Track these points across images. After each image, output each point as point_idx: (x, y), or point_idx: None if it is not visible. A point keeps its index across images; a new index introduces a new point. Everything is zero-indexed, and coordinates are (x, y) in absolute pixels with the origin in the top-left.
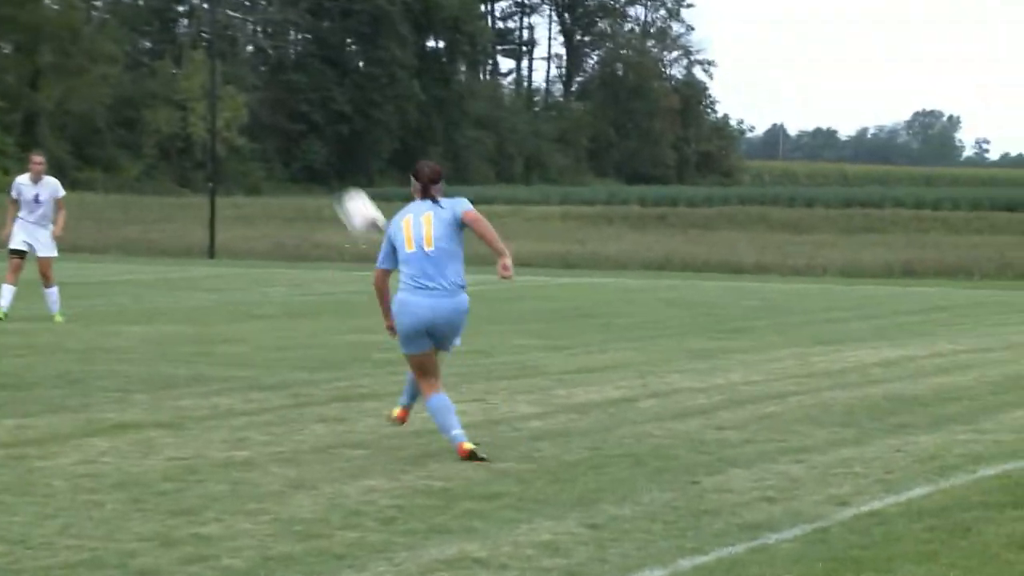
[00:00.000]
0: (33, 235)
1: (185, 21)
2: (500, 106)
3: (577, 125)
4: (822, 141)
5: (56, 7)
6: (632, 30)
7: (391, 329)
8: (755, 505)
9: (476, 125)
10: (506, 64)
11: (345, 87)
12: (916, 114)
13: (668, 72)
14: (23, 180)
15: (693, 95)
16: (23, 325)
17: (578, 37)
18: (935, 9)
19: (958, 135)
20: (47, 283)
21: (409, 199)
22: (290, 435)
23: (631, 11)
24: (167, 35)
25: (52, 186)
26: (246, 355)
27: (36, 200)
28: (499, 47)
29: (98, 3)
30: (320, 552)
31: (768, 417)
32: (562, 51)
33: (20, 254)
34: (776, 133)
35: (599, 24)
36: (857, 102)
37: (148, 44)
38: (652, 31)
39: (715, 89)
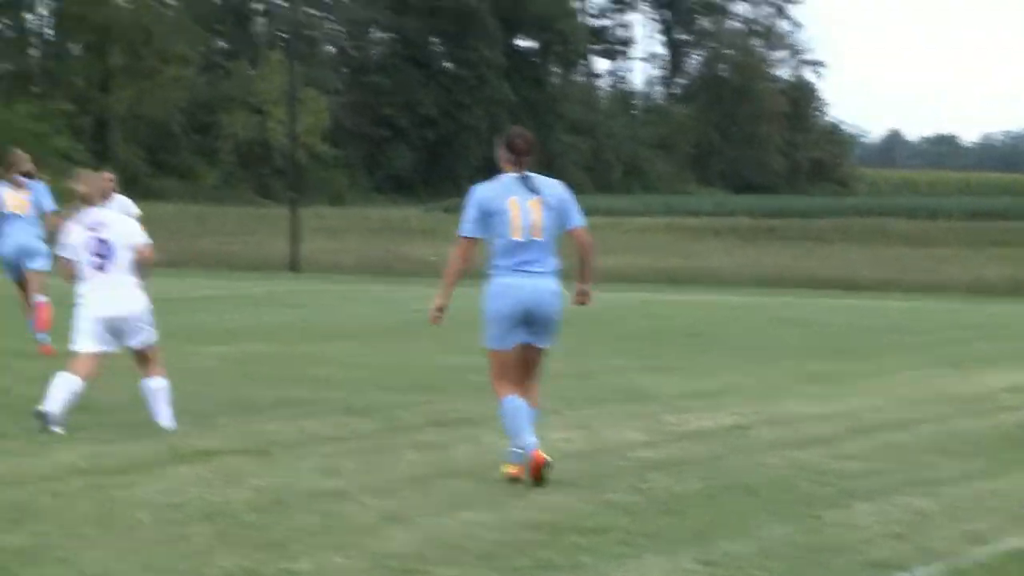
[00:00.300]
0: None
1: (262, 20)
2: (596, 109)
3: (679, 130)
4: (944, 148)
5: (127, 6)
6: (736, 28)
7: (440, 312)
8: (881, 541)
9: (571, 130)
10: (601, 65)
11: (431, 89)
12: None
13: (775, 73)
14: None
15: (802, 97)
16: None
17: (679, 36)
18: None
19: None
20: None
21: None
22: (383, 463)
23: (735, 8)
24: (243, 35)
25: (124, 205)
26: (334, 376)
27: None
28: (594, 46)
29: (171, 2)
30: None
31: (892, 446)
32: (662, 51)
33: None
34: (893, 139)
35: (701, 22)
36: (981, 106)
37: (223, 44)
38: (758, 29)
39: (826, 91)
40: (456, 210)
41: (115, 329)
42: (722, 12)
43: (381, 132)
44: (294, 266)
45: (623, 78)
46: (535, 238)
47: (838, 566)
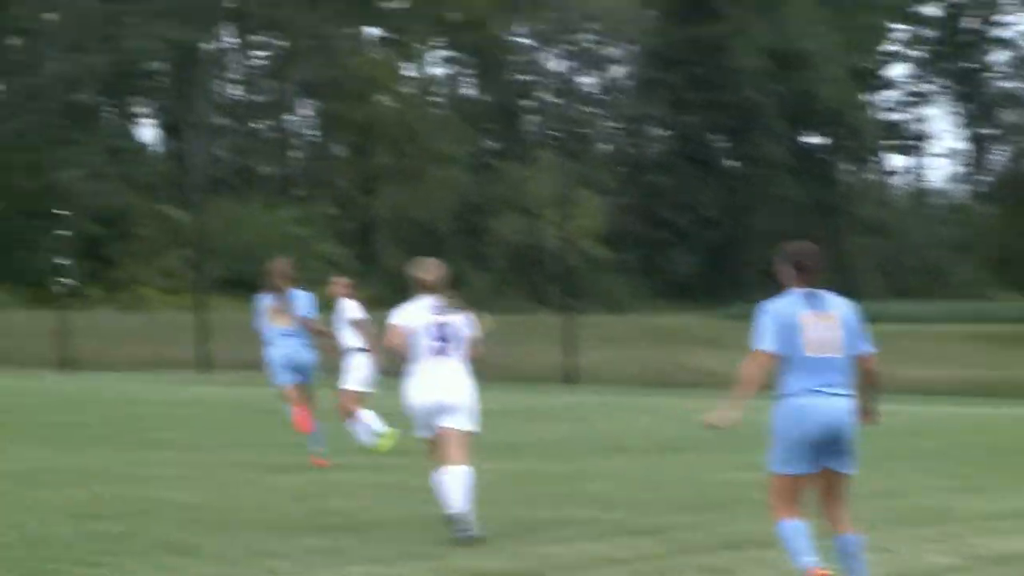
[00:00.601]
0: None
1: (532, 118)
2: (891, 209)
3: (983, 231)
4: None
5: (392, 105)
6: None
7: (721, 421)
8: None
9: (863, 230)
10: (896, 161)
11: (712, 188)
12: None
13: None
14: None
15: None
16: (371, 459)
17: (981, 130)
18: None
19: None
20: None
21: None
22: None
23: None
24: (513, 133)
25: (353, 309)
26: (614, 493)
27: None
28: (887, 142)
29: (438, 99)
30: None
31: None
32: (963, 146)
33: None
34: None
35: (1006, 115)
36: None
37: (493, 143)
38: None
39: None
40: (741, 317)
41: (448, 413)
42: None
43: (660, 234)
44: (569, 377)
45: (920, 175)
46: (832, 356)
47: None
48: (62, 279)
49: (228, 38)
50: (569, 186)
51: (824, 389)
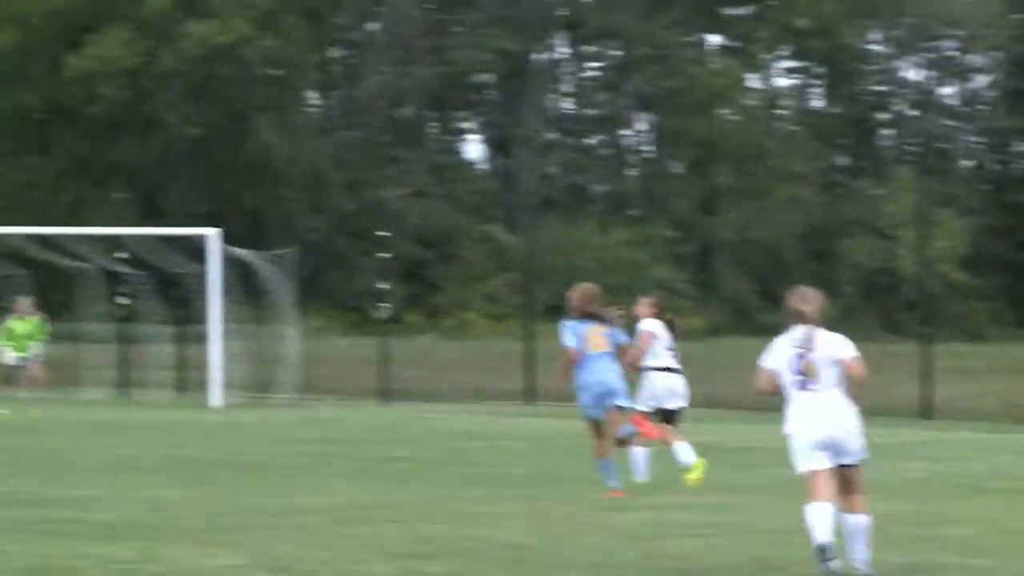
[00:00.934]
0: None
1: (888, 131)
2: None
3: None
4: None
5: (735, 119)
6: None
7: None
8: None
9: None
10: None
11: None
12: None
13: None
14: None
15: None
16: (709, 498)
17: None
18: None
19: None
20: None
21: None
22: None
23: None
24: (866, 149)
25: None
26: (976, 539)
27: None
28: None
29: (784, 112)
30: None
31: None
32: None
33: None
34: None
35: None
36: None
37: (844, 160)
38: None
39: None
40: None
41: (828, 448)
42: None
43: None
44: (925, 411)
45: None
46: None
47: None
48: (383, 304)
49: (560, 48)
50: (927, 206)
51: None
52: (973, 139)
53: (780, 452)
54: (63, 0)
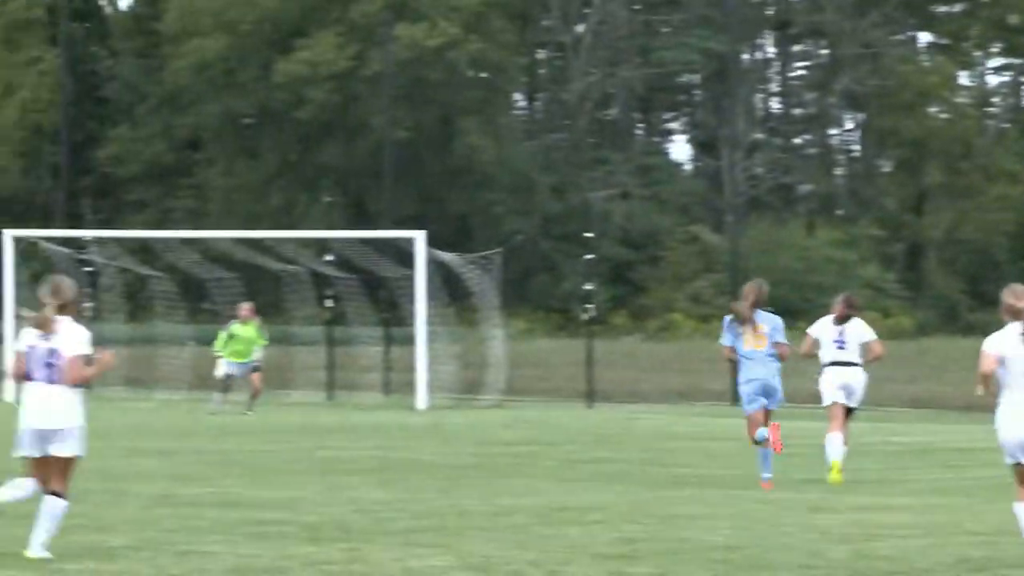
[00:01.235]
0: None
1: None
2: None
3: None
4: None
5: (945, 116)
6: None
7: None
8: None
9: None
10: None
11: None
12: None
13: None
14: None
15: None
16: (919, 498)
17: None
18: None
19: None
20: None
21: None
22: None
23: None
24: None
25: (860, 329)
26: None
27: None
28: None
29: (994, 110)
30: None
31: None
32: None
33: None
34: None
35: None
36: None
37: None
38: None
39: None
40: None
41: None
42: None
43: None
44: None
45: None
46: None
47: None
48: (588, 306)
49: (768, 47)
50: None
51: None
52: None
53: (988, 453)
54: (273, 6)
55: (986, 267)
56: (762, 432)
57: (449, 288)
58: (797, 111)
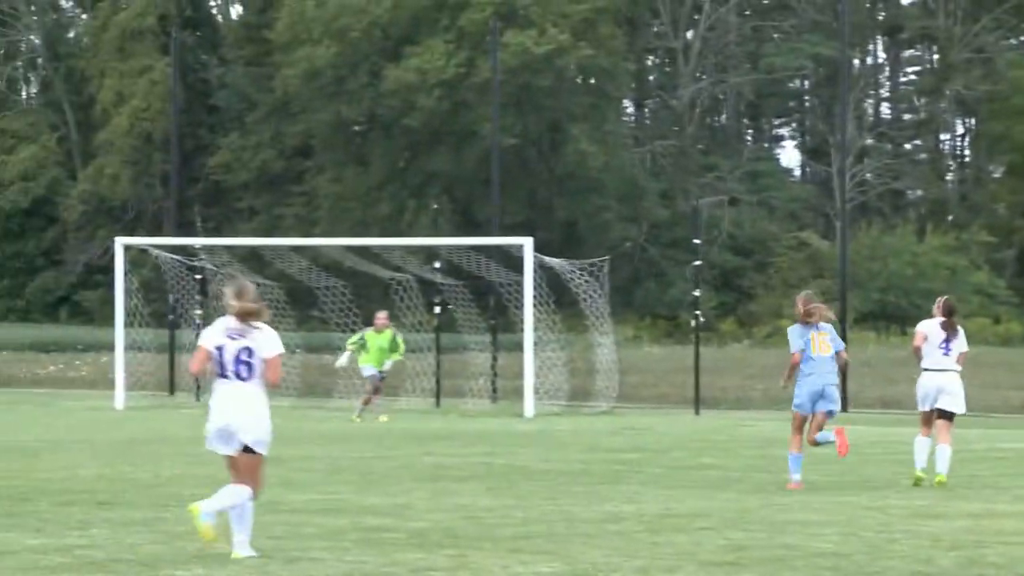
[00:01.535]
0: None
1: None
2: None
3: None
4: None
5: None
6: None
7: None
8: None
9: None
10: None
11: None
12: None
13: None
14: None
15: None
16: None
17: None
18: None
19: None
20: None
21: None
22: None
23: None
24: None
25: (962, 336)
26: None
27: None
28: None
29: None
30: None
31: None
32: None
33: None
34: None
35: None
36: None
37: None
38: None
39: None
40: None
41: None
42: None
43: None
44: None
45: None
46: None
47: None
48: (697, 313)
49: (879, 52)
50: None
51: None
52: None
53: None
54: (382, 14)
55: None
56: (825, 436)
57: (557, 295)
58: (907, 116)
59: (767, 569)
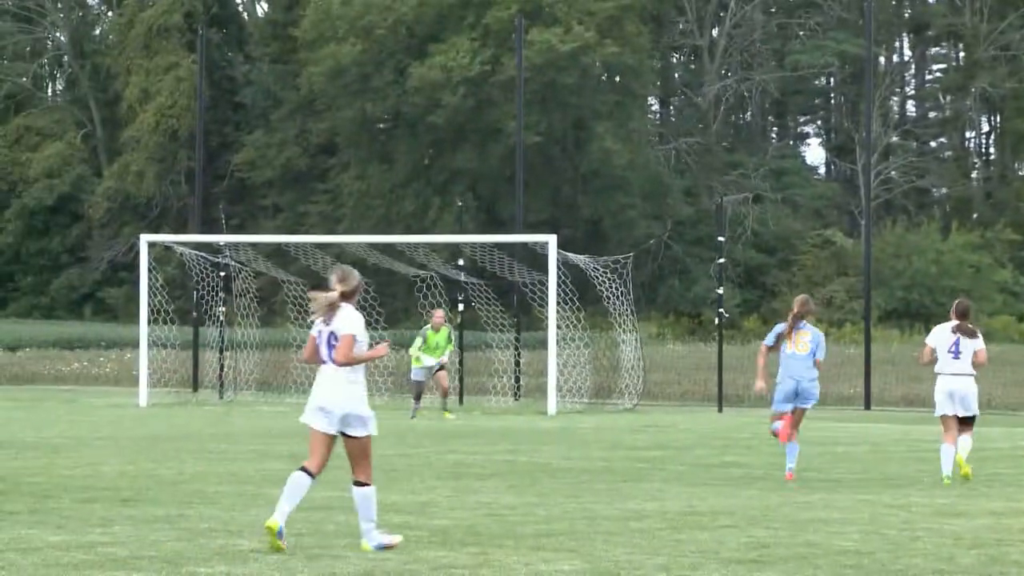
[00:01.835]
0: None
1: None
2: None
3: None
4: None
5: None
6: None
7: None
8: None
9: None
10: None
11: None
12: None
13: None
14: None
15: None
16: None
17: None
18: None
19: None
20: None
21: None
22: None
23: None
24: None
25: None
26: None
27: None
28: None
29: None
30: None
31: None
32: None
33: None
34: None
35: None
36: None
37: None
38: None
39: None
40: None
41: None
42: None
43: None
44: None
45: None
46: None
47: None
48: (720, 310)
49: (905, 50)
50: None
51: None
52: None
53: None
54: (408, 12)
55: None
56: (776, 424)
57: (581, 292)
58: (933, 114)
59: (789, 567)
